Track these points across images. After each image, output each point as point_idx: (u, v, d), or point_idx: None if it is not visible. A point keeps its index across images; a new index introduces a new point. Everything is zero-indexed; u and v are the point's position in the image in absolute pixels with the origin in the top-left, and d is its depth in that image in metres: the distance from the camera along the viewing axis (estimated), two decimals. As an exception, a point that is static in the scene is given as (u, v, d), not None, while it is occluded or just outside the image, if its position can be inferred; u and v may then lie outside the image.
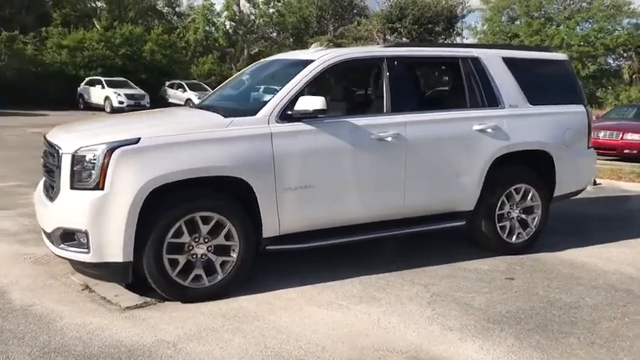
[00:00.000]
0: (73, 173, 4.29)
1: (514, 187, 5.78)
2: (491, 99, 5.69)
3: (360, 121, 5.09)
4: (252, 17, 36.88)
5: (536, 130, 5.86)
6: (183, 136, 4.50)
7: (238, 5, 36.00)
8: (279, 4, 35.63)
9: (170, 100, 31.12)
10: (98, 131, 4.60)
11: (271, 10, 36.98)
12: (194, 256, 4.52)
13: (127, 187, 4.20)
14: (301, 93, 4.86)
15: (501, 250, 5.81)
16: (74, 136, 4.53)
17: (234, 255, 4.61)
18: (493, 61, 5.80)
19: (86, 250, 4.27)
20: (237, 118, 4.74)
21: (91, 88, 29.40)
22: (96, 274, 4.45)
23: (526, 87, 5.89)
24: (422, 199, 5.37)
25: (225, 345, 3.81)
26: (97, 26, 34.76)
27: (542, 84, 6.13)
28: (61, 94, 29.46)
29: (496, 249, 5.81)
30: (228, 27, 36.85)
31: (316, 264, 5.40)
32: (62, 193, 4.35)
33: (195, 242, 4.51)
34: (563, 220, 7.33)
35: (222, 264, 4.60)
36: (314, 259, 5.45)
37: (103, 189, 4.20)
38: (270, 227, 4.74)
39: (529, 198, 5.88)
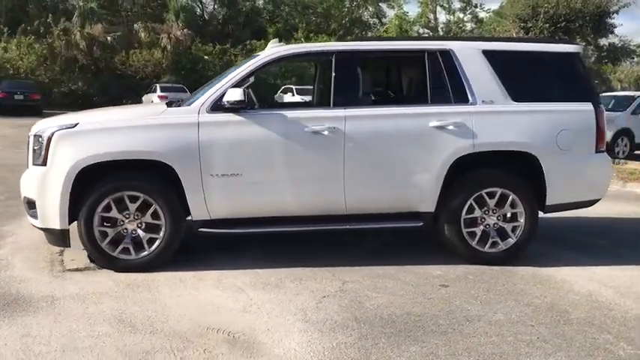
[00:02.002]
0: (33, 151, 5.12)
1: (486, 191, 5.29)
2: (458, 95, 5.28)
3: (295, 113, 5.17)
4: (448, 25, 36.53)
5: (517, 129, 5.28)
6: (117, 122, 5.12)
7: (434, 13, 35.95)
8: (477, 9, 34.85)
9: None
10: (61, 118, 5.37)
11: (467, 17, 36.24)
12: (125, 231, 5.07)
13: (62, 164, 4.90)
14: (238, 85, 5.11)
15: (471, 258, 5.36)
16: (43, 122, 5.37)
17: (161, 233, 5.05)
18: (468, 54, 5.37)
19: (36, 217, 5.07)
20: (171, 108, 5.19)
21: (284, 96, 31.84)
22: (48, 238, 5.22)
23: (510, 82, 5.34)
24: (365, 195, 5.23)
25: (96, 306, 4.28)
26: (300, 37, 37.45)
27: (534, 79, 5.49)
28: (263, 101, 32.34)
29: (465, 256, 5.37)
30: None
31: (271, 251, 5.62)
32: (28, 168, 5.21)
33: (126, 218, 5.05)
34: (579, 231, 6.45)
35: (150, 240, 5.08)
36: (273, 245, 5.68)
37: (45, 165, 4.96)
38: (198, 211, 5.09)
39: (507, 204, 5.32)
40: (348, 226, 5.32)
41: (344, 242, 6.03)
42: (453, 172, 5.24)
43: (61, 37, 31.62)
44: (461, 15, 35.85)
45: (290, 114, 5.15)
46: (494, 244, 5.36)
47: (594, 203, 5.66)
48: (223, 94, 5.02)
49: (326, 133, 5.09)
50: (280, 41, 5.76)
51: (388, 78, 6.58)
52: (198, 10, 42.71)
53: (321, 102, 5.54)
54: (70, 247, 5.18)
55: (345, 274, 5.06)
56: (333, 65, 5.26)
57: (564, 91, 5.48)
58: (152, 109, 5.32)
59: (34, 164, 5.11)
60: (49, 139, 4.95)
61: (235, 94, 4.93)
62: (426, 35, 35.29)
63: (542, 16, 12.01)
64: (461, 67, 5.32)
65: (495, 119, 5.28)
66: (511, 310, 4.35)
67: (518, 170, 5.41)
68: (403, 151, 5.20)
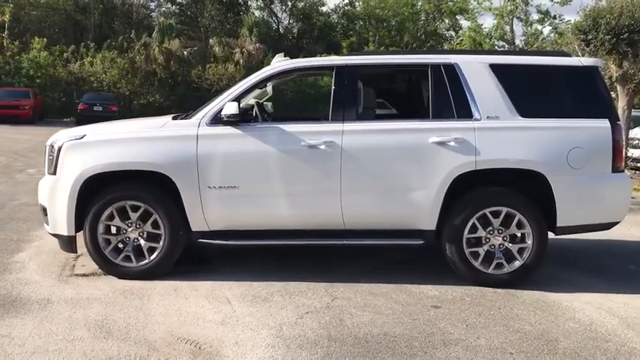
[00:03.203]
0: (48, 161, 5.40)
1: (490, 210, 5.07)
2: (462, 110, 5.11)
3: (292, 127, 5.18)
4: (525, 37, 35.41)
5: (523, 146, 5.04)
6: (121, 134, 5.31)
7: (511, 25, 34.96)
8: (557, 21, 33.48)
9: None
10: (74, 130, 5.63)
11: (547, 29, 34.91)
12: (127, 239, 5.24)
13: (69, 174, 5.14)
14: (237, 100, 5.18)
15: (474, 279, 5.15)
16: (60, 132, 5.64)
17: (161, 243, 5.18)
18: (474, 68, 5.19)
19: (48, 223, 5.33)
20: (174, 121, 5.33)
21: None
22: (59, 244, 5.46)
23: (519, 97, 5.12)
24: (363, 211, 5.14)
25: (84, 311, 4.44)
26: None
27: (545, 94, 5.22)
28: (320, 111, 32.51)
29: (468, 277, 5.16)
30: (498, 48, 36.03)
31: (272, 264, 5.63)
32: (44, 177, 5.49)
33: (129, 227, 5.22)
34: (603, 254, 6.01)
35: (150, 249, 5.22)
36: (275, 258, 5.70)
37: (56, 174, 5.21)
38: (196, 222, 5.19)
39: (514, 224, 5.08)
40: (346, 242, 5.26)
41: (345, 258, 5.96)
42: (456, 189, 5.07)
43: (141, 51, 33.14)
44: (539, 27, 34.80)
45: (287, 128, 5.17)
46: (499, 266, 5.12)
47: (612, 226, 5.31)
48: (222, 108, 5.11)
49: (323, 147, 5.06)
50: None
51: (390, 92, 6.48)
52: (274, 24, 43.62)
53: (320, 115, 5.52)
54: (76, 252, 5.41)
55: (338, 290, 5.00)
56: (333, 79, 5.23)
57: (579, 106, 5.18)
58: (156, 122, 5.48)
59: (48, 173, 5.37)
60: (59, 150, 5.20)
61: (231, 108, 5.00)
62: (501, 49, 34.38)
63: (603, 27, 11.41)
64: (465, 81, 5.15)
65: (500, 135, 5.07)
66: (496, 336, 4.14)
67: (527, 190, 5.16)
68: (402, 167, 5.08)
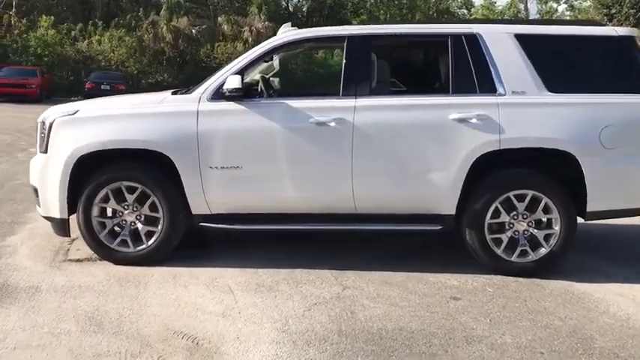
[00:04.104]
0: (39, 139, 5.04)
1: (514, 194, 4.66)
2: (485, 84, 4.68)
3: (299, 103, 4.77)
4: (539, 15, 34.52)
5: (551, 123, 4.61)
6: (116, 110, 4.93)
7: (525, 3, 34.09)
8: (573, -1, 32.61)
9: None
10: (67, 105, 5.25)
11: (562, 7, 34.07)
12: (124, 223, 4.89)
13: (61, 152, 4.78)
14: (240, 73, 4.79)
15: (496, 268, 4.76)
16: (51, 109, 5.26)
17: (160, 227, 4.83)
18: (498, 39, 4.75)
19: (39, 205, 5.00)
20: (172, 96, 4.95)
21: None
22: (52, 227, 5.12)
23: (547, 71, 4.68)
24: (376, 194, 4.75)
25: (74, 301, 4.11)
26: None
27: (576, 67, 4.78)
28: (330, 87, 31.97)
29: (489, 265, 4.78)
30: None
31: (278, 250, 5.28)
32: (35, 155, 5.14)
33: (125, 209, 4.87)
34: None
35: (148, 234, 4.87)
36: (282, 243, 5.36)
37: (47, 153, 4.86)
38: (197, 205, 4.83)
39: (540, 209, 4.67)
40: (357, 227, 4.88)
41: (356, 244, 5.56)
42: (477, 170, 4.67)
43: (149, 30, 32.70)
44: (554, 4, 33.86)
45: (294, 103, 4.76)
46: (523, 254, 4.73)
47: (650, 211, 4.89)
48: (224, 82, 4.72)
49: (332, 124, 4.67)
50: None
51: (407, 65, 6.02)
52: (284, 2, 42.94)
53: (331, 90, 5.11)
54: (69, 236, 5.08)
55: (348, 278, 4.63)
56: (345, 51, 4.82)
57: (613, 81, 4.74)
58: (154, 98, 5.10)
59: (39, 151, 5.02)
60: (50, 126, 4.84)
61: (233, 82, 4.61)
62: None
63: (627, 1, 10.86)
64: (489, 53, 4.72)
65: (526, 112, 4.65)
66: (523, 332, 3.77)
67: (555, 171, 4.75)
68: (419, 146, 4.68)
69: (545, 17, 34.23)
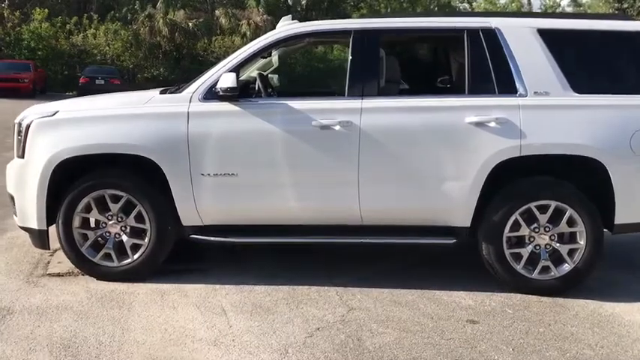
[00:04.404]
0: (16, 142, 4.61)
1: (536, 204, 4.25)
2: (504, 84, 4.26)
3: (300, 104, 4.35)
4: (542, 9, 34.04)
5: (577, 127, 4.20)
6: (100, 111, 4.50)
7: (528, -4, 33.65)
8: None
9: None
10: (46, 105, 4.81)
11: (564, 2, 33.59)
12: (107, 234, 4.47)
13: (38, 157, 4.35)
14: (236, 70, 4.36)
15: (515, 285, 4.35)
16: (30, 109, 4.83)
17: (146, 239, 4.41)
18: (519, 34, 4.33)
19: (16, 214, 4.57)
20: (160, 96, 4.53)
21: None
22: (31, 238, 4.69)
23: (573, 69, 4.26)
24: (384, 204, 4.34)
25: (50, 325, 3.70)
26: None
27: (604, 65, 4.37)
28: (339, 88, 31.46)
29: (508, 283, 4.37)
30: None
31: (277, 264, 4.86)
32: (12, 160, 4.71)
33: (109, 220, 4.44)
34: None
35: (134, 247, 4.46)
36: (282, 256, 4.92)
37: (23, 157, 4.43)
38: (188, 215, 4.41)
39: (564, 221, 4.26)
40: (364, 240, 4.46)
41: (360, 257, 5.13)
42: (495, 179, 4.25)
43: (145, 23, 32.13)
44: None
45: (295, 104, 4.33)
46: (544, 270, 4.32)
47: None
48: (218, 80, 4.29)
49: (337, 128, 4.24)
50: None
51: (418, 63, 5.58)
52: (282, -5, 42.39)
53: (334, 90, 4.69)
54: (48, 249, 4.65)
55: (354, 297, 4.22)
56: (350, 46, 4.39)
57: (648, 80, 4.33)
58: (141, 97, 4.66)
59: (16, 156, 4.59)
60: (28, 128, 4.41)
61: (228, 80, 4.18)
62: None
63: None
64: (509, 49, 4.29)
65: (550, 115, 4.23)
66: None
67: (580, 179, 4.34)
68: (432, 152, 4.26)
69: (550, 11, 33.78)
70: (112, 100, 4.89)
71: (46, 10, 32.58)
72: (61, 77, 31.41)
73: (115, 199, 4.40)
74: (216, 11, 34.78)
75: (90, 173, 4.41)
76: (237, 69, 4.37)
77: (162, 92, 4.67)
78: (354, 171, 4.26)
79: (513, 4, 32.97)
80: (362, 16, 38.96)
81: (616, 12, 10.70)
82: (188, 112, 4.30)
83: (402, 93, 4.67)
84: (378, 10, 41.09)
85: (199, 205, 4.35)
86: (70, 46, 32.60)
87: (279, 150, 4.30)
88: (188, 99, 4.35)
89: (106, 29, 32.98)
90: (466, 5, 44.66)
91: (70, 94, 27.95)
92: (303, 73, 29.65)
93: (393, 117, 4.28)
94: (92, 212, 4.43)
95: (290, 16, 4.90)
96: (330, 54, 33.75)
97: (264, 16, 33.04)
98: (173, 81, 30.80)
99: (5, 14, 32.48)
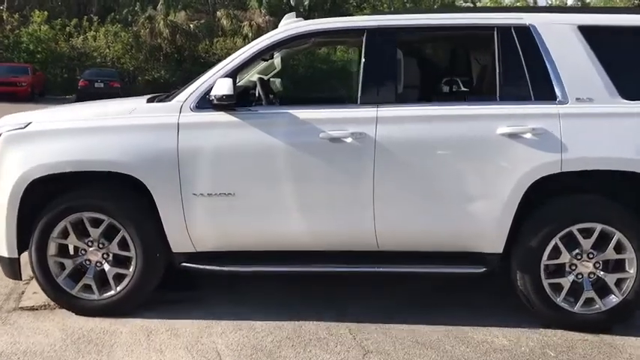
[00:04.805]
0: (-15, 157, 4.06)
1: (578, 227, 3.68)
2: (541, 89, 3.70)
3: (307, 113, 3.79)
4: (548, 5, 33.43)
5: (626, 139, 3.63)
6: (78, 123, 3.94)
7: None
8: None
9: None
10: (20, 115, 4.25)
11: (571, 1, 32.93)
12: (87, 263, 3.92)
13: (8, 175, 3.82)
14: (233, 75, 3.81)
15: (555, 319, 3.79)
16: (4, 118, 4.29)
17: (131, 269, 3.86)
18: (558, 32, 3.76)
19: (-19, 240, 4.02)
20: (146, 105, 3.99)
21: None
22: (1, 267, 4.14)
23: (621, 72, 3.70)
24: (404, 228, 3.78)
25: (15, 375, 3.14)
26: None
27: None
28: (344, 90, 30.96)
29: (547, 317, 3.81)
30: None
31: (280, 295, 4.29)
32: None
33: (89, 247, 3.90)
34: None
35: (117, 277, 3.90)
36: (285, 286, 4.35)
37: (-8, 175, 3.88)
38: (178, 241, 3.86)
39: (611, 247, 3.69)
40: (380, 269, 3.90)
41: (373, 286, 4.48)
42: (531, 198, 3.69)
43: (146, 25, 31.62)
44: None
45: (301, 114, 3.78)
46: (588, 302, 3.75)
47: None
48: (212, 87, 3.74)
49: (349, 140, 3.68)
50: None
51: (441, 65, 4.99)
52: (285, -4, 41.88)
53: (345, 97, 4.14)
54: (20, 279, 4.09)
55: (370, 336, 3.66)
56: (363, 47, 3.83)
57: None
58: (125, 106, 4.11)
59: (-14, 173, 4.04)
60: (-3, 143, 3.87)
61: (223, 87, 3.62)
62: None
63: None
64: (546, 49, 3.73)
65: (595, 125, 3.67)
66: None
67: (629, 199, 3.77)
68: (458, 168, 3.70)
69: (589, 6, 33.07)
70: (93, 109, 4.32)
71: (46, 13, 32.07)
72: (61, 80, 30.89)
73: (96, 222, 3.85)
74: (218, 12, 34.25)
75: (67, 193, 3.86)
76: (234, 74, 3.83)
77: (149, 101, 4.12)
78: (368, 189, 3.70)
79: (519, 3, 32.30)
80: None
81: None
82: (178, 124, 3.75)
83: (421, 100, 4.11)
84: (381, 10, 40.54)
85: (191, 229, 3.80)
86: (69, 48, 32.10)
87: (282, 166, 3.74)
88: (178, 108, 3.80)
89: (106, 31, 32.47)
90: (470, 5, 44.07)
91: (70, 97, 27.50)
92: (307, 76, 29.00)
93: (412, 128, 3.72)
94: (69, 238, 3.89)
95: (293, 13, 4.34)
96: (333, 55, 33.17)
97: (267, 17, 32.49)
98: (174, 83, 30.33)
99: (4, 17, 32.02)
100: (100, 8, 36.76)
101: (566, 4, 34.25)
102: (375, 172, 3.69)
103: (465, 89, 4.45)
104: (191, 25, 32.28)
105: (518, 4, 33.31)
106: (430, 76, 4.45)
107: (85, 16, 33.90)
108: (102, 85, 25.14)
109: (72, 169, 3.77)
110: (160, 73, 32.04)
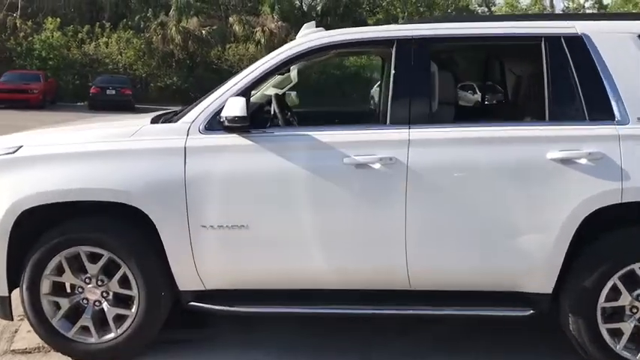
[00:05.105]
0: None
1: (640, 266, 3.24)
2: (597, 108, 3.25)
3: (328, 135, 3.36)
4: (565, 11, 32.80)
5: (698, 166, 3.18)
6: (73, 147, 3.52)
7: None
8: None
9: None
10: (9, 138, 3.85)
11: (588, 3, 32.28)
12: (85, 302, 3.52)
13: (-2, 205, 3.41)
14: (246, 94, 3.39)
15: (612, 369, 3.33)
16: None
17: (134, 309, 3.45)
18: (615, 42, 3.31)
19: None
20: (150, 126, 3.57)
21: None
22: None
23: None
24: (440, 265, 3.34)
25: None
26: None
27: None
28: (357, 96, 30.54)
29: (601, 365, 3.35)
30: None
31: (298, 339, 3.85)
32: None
33: (87, 284, 3.49)
34: None
35: (118, 318, 3.50)
36: (303, 327, 3.90)
37: (-21, 206, 3.49)
38: (186, 278, 3.45)
39: (681, 287, 3.23)
40: (411, 312, 3.46)
41: (402, 328, 3.97)
42: (586, 231, 3.24)
43: (158, 31, 31.46)
44: (581, 0, 31.95)
45: (322, 135, 3.35)
46: (653, 352, 3.29)
47: None
48: (222, 107, 3.32)
49: (377, 166, 3.25)
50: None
51: (480, 81, 4.53)
52: (297, 1, 41.55)
53: (372, 116, 3.71)
54: (11, 319, 3.68)
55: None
56: (393, 60, 3.40)
57: None
58: (126, 128, 3.70)
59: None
60: (-15, 169, 3.48)
61: (235, 107, 3.21)
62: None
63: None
64: (602, 62, 3.27)
65: (662, 148, 3.21)
66: None
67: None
68: (503, 198, 3.25)
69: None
70: (91, 132, 3.90)
71: (58, 20, 32.00)
72: (73, 87, 30.80)
73: (94, 257, 3.45)
74: (230, 18, 34.06)
75: (62, 225, 3.46)
76: (247, 92, 3.41)
77: (153, 120, 3.71)
78: (400, 222, 3.27)
79: (535, 7, 31.73)
80: (377, 21, 37.95)
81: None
82: (185, 148, 3.34)
83: (458, 119, 3.67)
84: (395, 15, 40.06)
85: (200, 265, 3.39)
86: (81, 55, 32.03)
87: (301, 195, 3.31)
88: (185, 130, 3.39)
89: (119, 38, 32.37)
90: (485, 9, 43.49)
91: (81, 104, 27.34)
92: (326, 88, 28.41)
93: (450, 152, 3.28)
94: (65, 275, 3.48)
95: (313, 23, 3.90)
96: (346, 60, 32.75)
97: (279, 22, 32.21)
98: (187, 90, 30.09)
99: (17, 24, 32.00)
100: (113, 15, 36.65)
101: (584, 7, 33.59)
102: (408, 202, 3.25)
103: (509, 108, 3.98)
104: (203, 31, 32.10)
105: (535, 7, 32.69)
106: (468, 92, 4.01)
107: (98, 23, 33.83)
108: (113, 92, 24.94)
109: (66, 199, 3.37)
110: (172, 80, 31.89)
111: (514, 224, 3.26)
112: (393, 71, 3.38)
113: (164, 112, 4.02)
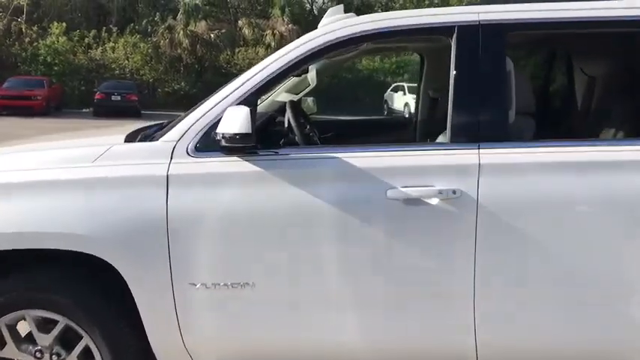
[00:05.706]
0: None
1: None
2: None
3: (364, 159, 2.43)
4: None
5: None
6: (20, 174, 2.61)
7: None
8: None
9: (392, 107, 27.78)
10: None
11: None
12: (36, 382, 2.61)
13: None
14: (252, 102, 2.47)
15: None
16: None
17: (99, 391, 2.55)
18: None
19: None
20: (122, 146, 2.65)
21: (395, 95, 28.79)
22: None
23: None
24: (522, 337, 2.41)
25: None
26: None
27: None
28: (370, 101, 29.68)
29: None
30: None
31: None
32: None
33: (37, 358, 2.59)
34: None
35: (79, 403, 2.58)
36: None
37: None
38: (168, 353, 2.55)
39: None
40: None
41: None
42: None
43: (165, 35, 30.73)
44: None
45: (355, 160, 2.41)
46: None
47: None
48: (218, 119, 2.40)
49: (435, 202, 2.32)
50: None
51: (571, 81, 3.45)
52: (308, 4, 40.79)
53: (416, 130, 2.78)
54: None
55: None
56: (453, 53, 2.45)
57: None
58: (90, 148, 2.75)
59: None
60: None
61: (234, 120, 2.28)
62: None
63: None
64: None
65: None
66: None
67: None
68: (617, 247, 2.31)
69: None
70: (45, 153, 2.94)
71: (64, 24, 31.34)
72: (78, 93, 30.11)
73: (46, 325, 2.54)
74: (239, 21, 33.29)
75: (1, 282, 2.56)
76: (252, 99, 2.48)
77: (129, 138, 2.78)
78: (466, 277, 2.34)
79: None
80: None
81: None
82: (168, 176, 2.42)
83: (544, 135, 2.72)
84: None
85: (188, 335, 2.47)
86: (88, 60, 31.37)
87: (327, 242, 2.39)
88: (168, 152, 2.47)
89: (125, 42, 31.69)
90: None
91: (86, 110, 26.61)
92: (331, 85, 27.54)
93: (536, 180, 2.34)
94: (7, 348, 2.58)
95: (341, 6, 2.96)
96: (358, 63, 31.83)
97: (289, 25, 31.37)
98: (195, 95, 29.27)
99: (23, 29, 31.41)
100: (120, 19, 36.01)
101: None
102: (478, 250, 2.32)
103: (611, 120, 2.95)
104: (212, 35, 31.32)
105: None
106: (555, 97, 3.06)
107: (105, 27, 33.18)
108: (119, 97, 24.21)
109: (7, 247, 2.47)
110: (180, 85, 31.18)
111: (623, 277, 2.32)
112: (453, 67, 2.44)
113: (145, 126, 3.09)
